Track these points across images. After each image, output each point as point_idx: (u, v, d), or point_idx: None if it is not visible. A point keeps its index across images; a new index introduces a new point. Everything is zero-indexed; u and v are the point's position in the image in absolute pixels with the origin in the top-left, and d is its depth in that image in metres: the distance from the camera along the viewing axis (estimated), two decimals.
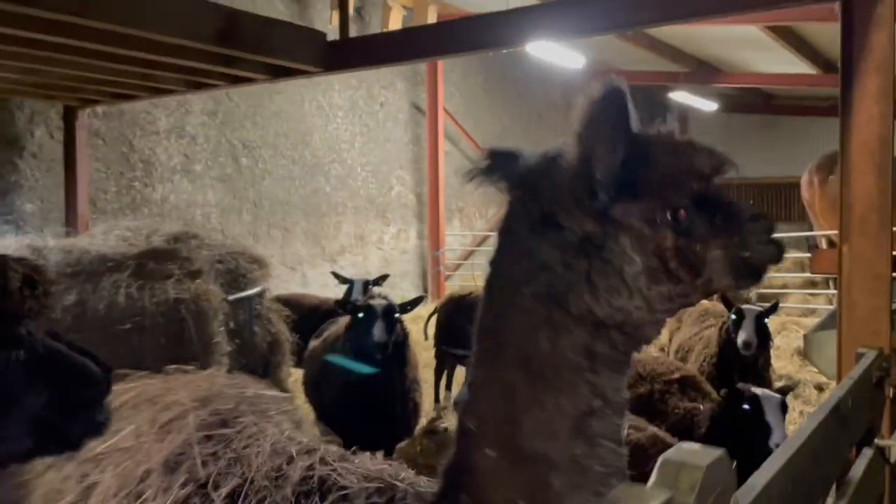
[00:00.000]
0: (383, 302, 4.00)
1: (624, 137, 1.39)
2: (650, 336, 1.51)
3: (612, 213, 1.39)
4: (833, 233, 10.11)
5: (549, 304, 1.39)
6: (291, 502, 1.73)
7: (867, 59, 3.51)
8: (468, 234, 13.34)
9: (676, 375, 3.90)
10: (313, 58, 5.36)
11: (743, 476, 1.38)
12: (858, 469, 2.92)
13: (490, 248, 1.57)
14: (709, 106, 16.85)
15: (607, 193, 1.39)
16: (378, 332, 3.81)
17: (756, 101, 19.46)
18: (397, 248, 11.81)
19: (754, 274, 1.49)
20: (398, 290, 11.74)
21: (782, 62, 14.01)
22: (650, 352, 4.82)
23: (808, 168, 10.85)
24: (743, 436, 3.46)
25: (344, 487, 1.75)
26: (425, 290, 12.15)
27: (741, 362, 4.64)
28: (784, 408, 3.50)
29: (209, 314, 4.31)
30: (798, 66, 14.02)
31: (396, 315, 3.98)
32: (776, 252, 1.49)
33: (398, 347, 3.97)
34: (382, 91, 11.50)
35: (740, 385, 3.61)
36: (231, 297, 4.70)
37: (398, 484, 1.76)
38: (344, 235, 10.71)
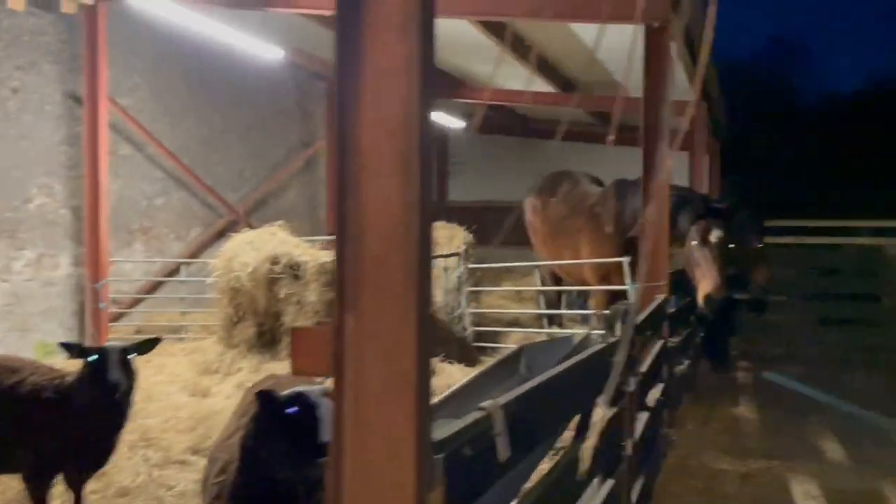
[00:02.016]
0: None
1: None
2: None
3: None
4: (558, 262, 9.08)
5: None
6: None
7: None
8: (156, 260, 10.84)
9: None
10: None
11: None
12: None
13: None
14: (456, 124, 15.77)
15: None
16: None
17: (513, 123, 18.89)
18: (37, 279, 9.05)
19: None
20: (37, 333, 9.01)
21: (521, 78, 13.15)
22: None
23: (530, 188, 9.71)
24: None
25: None
26: (82, 333, 9.49)
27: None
28: None
29: None
30: (537, 84, 13.25)
31: None
32: None
33: None
34: (18, 73, 8.78)
35: None
36: None
37: None
38: None
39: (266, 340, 8.10)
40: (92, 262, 9.44)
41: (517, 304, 12.32)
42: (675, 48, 8.36)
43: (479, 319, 9.75)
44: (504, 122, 18.70)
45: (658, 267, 6.76)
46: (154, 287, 10.64)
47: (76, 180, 9.49)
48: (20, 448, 3.80)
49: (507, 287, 11.30)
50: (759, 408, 8.32)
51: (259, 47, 9.38)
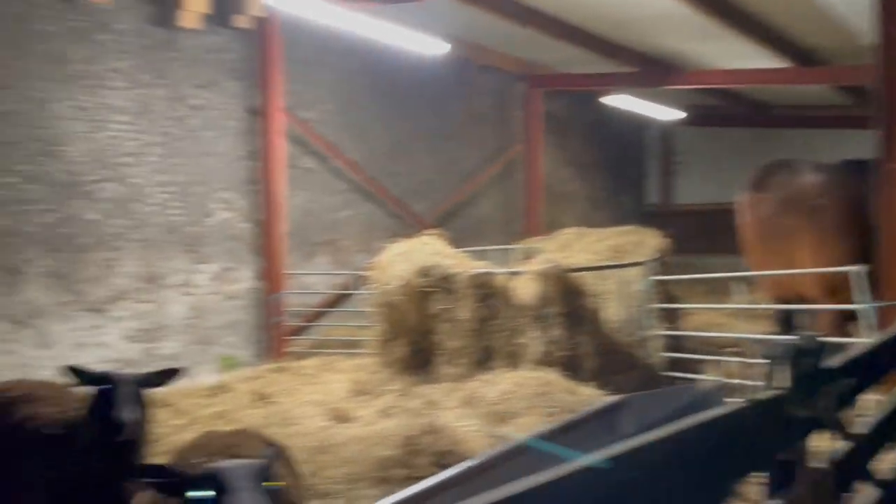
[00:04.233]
0: None
1: None
2: None
3: None
4: (767, 273, 7.10)
5: None
6: None
7: None
8: (341, 272, 10.68)
9: None
10: None
11: None
12: None
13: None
14: (674, 115, 13.95)
15: None
16: None
17: (746, 112, 16.42)
18: (221, 293, 9.23)
19: None
20: (219, 347, 9.19)
21: (747, 56, 11.13)
22: None
23: (743, 184, 7.83)
24: None
25: None
26: (264, 347, 9.55)
27: None
28: None
29: None
30: (768, 60, 11.13)
31: None
32: None
33: None
34: (199, 91, 9.04)
35: None
36: None
37: None
38: (122, 277, 8.18)
39: (420, 360, 7.33)
40: (270, 275, 9.48)
41: (744, 325, 10.30)
42: None
43: (682, 343, 8.11)
44: (734, 111, 16.33)
45: None
46: (335, 300, 10.48)
47: (258, 194, 9.60)
48: (17, 490, 3.36)
49: (704, 305, 9.41)
50: None
51: (437, 46, 8.79)
